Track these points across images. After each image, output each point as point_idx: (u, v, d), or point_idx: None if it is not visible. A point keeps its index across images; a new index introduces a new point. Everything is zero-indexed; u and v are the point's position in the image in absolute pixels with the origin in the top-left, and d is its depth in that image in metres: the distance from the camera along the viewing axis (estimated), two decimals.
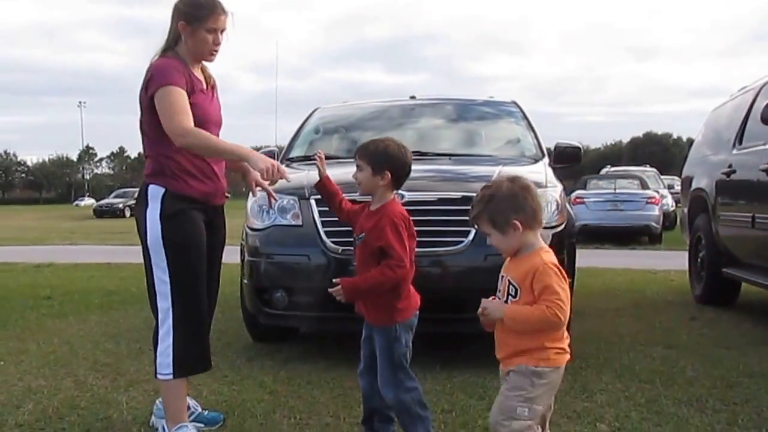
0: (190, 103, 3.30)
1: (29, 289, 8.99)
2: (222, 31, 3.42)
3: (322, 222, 4.66)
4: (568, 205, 5.16)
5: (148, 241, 3.34)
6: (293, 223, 4.83)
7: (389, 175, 3.13)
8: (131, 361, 5.01)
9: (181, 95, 3.27)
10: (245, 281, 5.15)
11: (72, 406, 4.00)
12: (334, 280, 3.08)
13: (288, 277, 4.89)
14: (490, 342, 5.27)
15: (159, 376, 3.39)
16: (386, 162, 3.13)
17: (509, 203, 2.62)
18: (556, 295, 2.53)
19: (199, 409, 3.71)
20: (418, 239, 4.45)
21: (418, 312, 3.25)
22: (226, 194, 3.63)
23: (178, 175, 3.34)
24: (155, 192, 3.35)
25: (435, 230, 4.56)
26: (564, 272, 2.65)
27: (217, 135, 3.50)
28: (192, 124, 3.25)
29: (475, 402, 4.00)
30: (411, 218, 3.21)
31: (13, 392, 4.29)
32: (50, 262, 12.65)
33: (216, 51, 3.46)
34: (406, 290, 3.18)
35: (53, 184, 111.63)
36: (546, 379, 2.63)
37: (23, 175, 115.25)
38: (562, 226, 4.82)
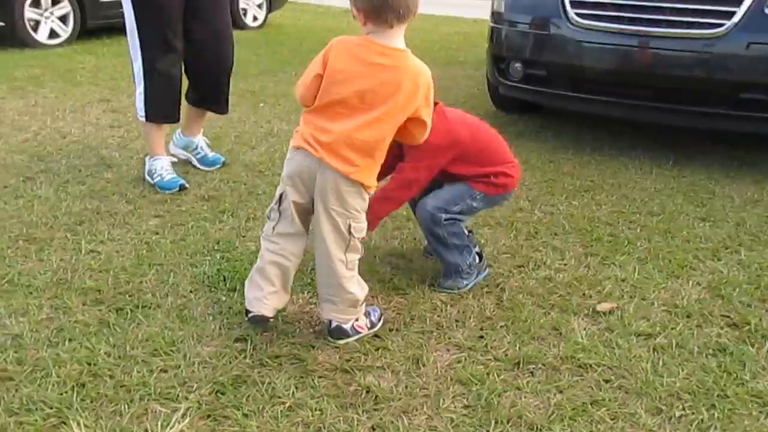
0: None
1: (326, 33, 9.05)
2: None
3: None
4: None
5: None
6: None
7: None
8: None
9: None
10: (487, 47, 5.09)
11: None
12: None
13: (525, 48, 4.69)
14: (732, 142, 4.76)
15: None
16: None
17: None
18: None
19: (206, 151, 3.97)
20: (674, 19, 4.04)
21: None
22: None
23: None
24: None
25: (692, 8, 4.00)
26: None
27: None
28: None
29: None
30: None
31: (254, 133, 4.67)
32: None
33: None
34: None
35: None
36: None
37: None
38: None
